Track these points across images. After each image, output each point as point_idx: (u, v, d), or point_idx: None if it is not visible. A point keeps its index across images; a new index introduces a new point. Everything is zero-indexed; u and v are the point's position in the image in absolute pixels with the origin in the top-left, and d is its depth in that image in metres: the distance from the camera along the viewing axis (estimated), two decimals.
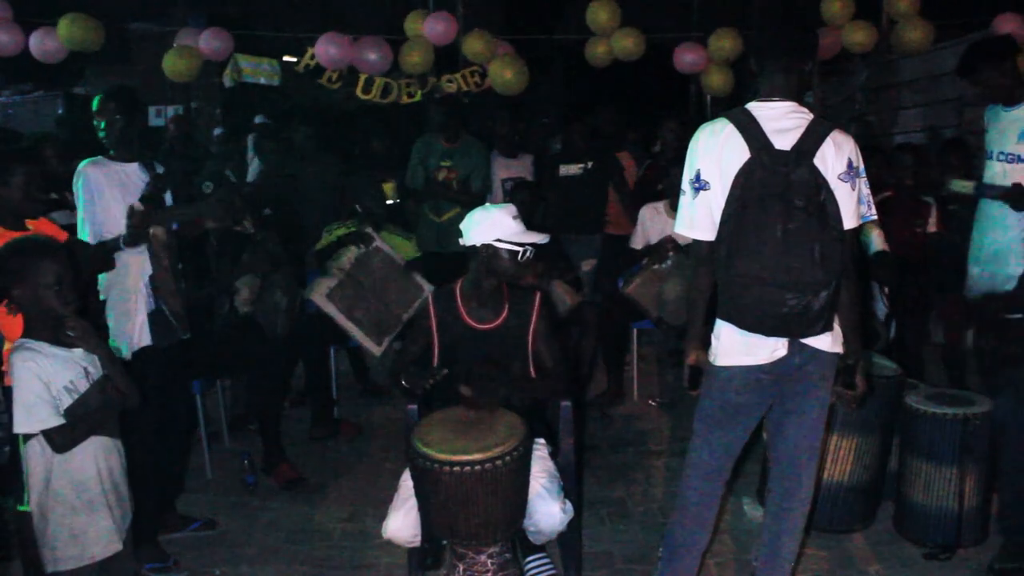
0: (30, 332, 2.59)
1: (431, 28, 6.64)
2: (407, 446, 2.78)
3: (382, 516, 3.01)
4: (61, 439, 2.51)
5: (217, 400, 4.99)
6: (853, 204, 2.56)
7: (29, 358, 2.51)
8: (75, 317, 2.63)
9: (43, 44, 6.40)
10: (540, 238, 3.13)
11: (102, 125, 3.54)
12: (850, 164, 2.54)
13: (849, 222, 2.54)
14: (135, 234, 3.38)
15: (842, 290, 2.59)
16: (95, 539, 2.62)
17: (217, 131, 9.15)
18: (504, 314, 3.20)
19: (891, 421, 3.65)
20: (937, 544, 3.49)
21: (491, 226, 3.09)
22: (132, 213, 3.36)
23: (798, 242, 2.45)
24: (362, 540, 3.77)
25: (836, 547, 3.60)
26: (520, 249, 3.09)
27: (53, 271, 2.56)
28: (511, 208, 3.17)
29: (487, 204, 3.30)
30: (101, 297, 3.51)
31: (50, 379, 2.51)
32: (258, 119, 8.67)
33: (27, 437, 2.54)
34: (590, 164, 6.03)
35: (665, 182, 5.30)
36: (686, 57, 7.03)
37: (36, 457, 2.55)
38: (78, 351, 2.63)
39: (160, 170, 3.62)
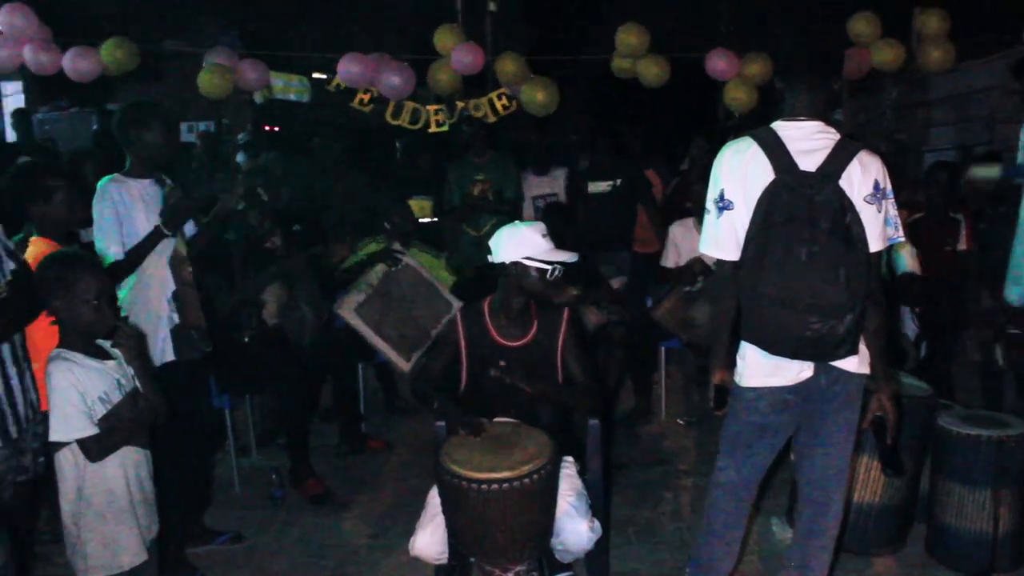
0: (66, 343, 2.63)
1: (459, 60, 6.68)
2: (435, 463, 2.79)
3: (409, 532, 3.01)
4: (95, 448, 2.55)
5: (246, 414, 5.02)
6: (879, 226, 2.54)
7: (66, 368, 2.56)
8: (128, 326, 2.69)
9: (76, 63, 6.51)
10: (569, 257, 3.12)
11: (131, 138, 3.56)
12: (877, 186, 2.52)
13: (875, 245, 2.52)
14: (176, 217, 3.49)
15: (868, 314, 2.56)
16: (125, 548, 2.66)
17: (241, 137, 9.26)
18: (532, 331, 3.20)
19: (923, 442, 3.61)
20: (970, 569, 3.44)
21: (520, 244, 3.10)
22: (169, 197, 3.48)
23: (822, 265, 2.43)
24: (389, 556, 3.78)
25: (866, 570, 3.56)
26: (549, 267, 3.09)
27: (93, 285, 2.61)
28: (540, 226, 3.17)
29: (516, 222, 3.30)
30: (123, 313, 3.55)
31: (85, 389, 2.55)
32: (242, 136, 8.78)
33: (59, 446, 2.58)
34: (618, 181, 6.04)
35: (692, 199, 5.29)
36: (718, 65, 7.01)
37: (69, 466, 2.59)
38: (111, 363, 2.67)
39: (170, 183, 3.65)
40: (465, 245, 5.79)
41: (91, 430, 2.53)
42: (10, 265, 2.81)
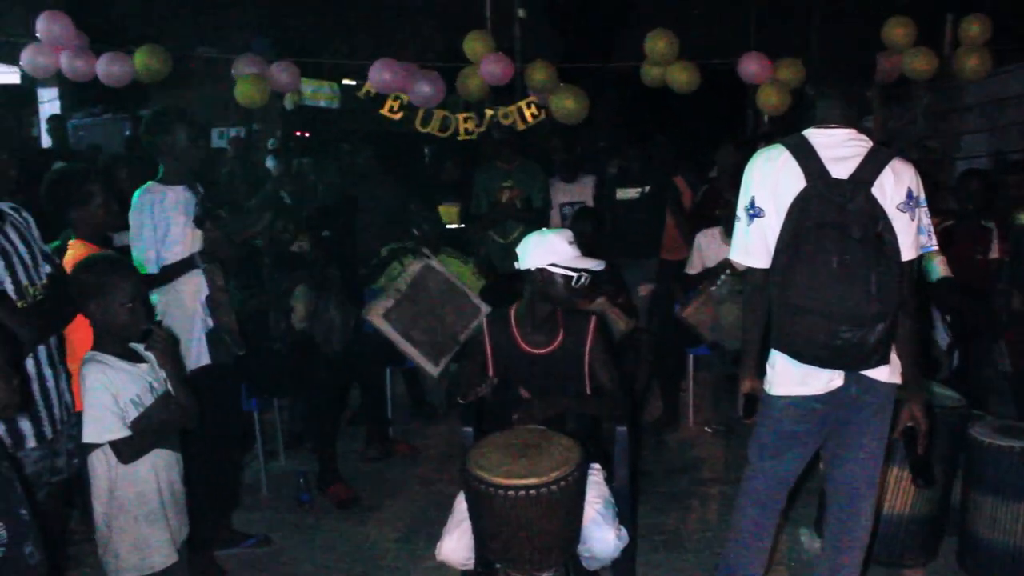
0: (100, 346, 2.67)
1: (488, 70, 6.71)
2: (462, 468, 2.79)
3: (435, 537, 3.01)
4: (127, 450, 2.58)
5: (274, 418, 5.06)
6: (912, 235, 2.52)
7: (99, 370, 2.59)
8: (161, 330, 2.73)
9: (109, 69, 6.62)
10: (595, 264, 3.11)
11: (157, 146, 3.61)
12: (910, 194, 2.50)
13: (908, 253, 2.50)
14: (214, 251, 3.55)
15: (900, 323, 2.53)
16: (155, 549, 2.69)
17: (272, 142, 9.35)
18: (559, 338, 3.19)
19: (955, 453, 3.56)
20: None
21: (546, 251, 3.09)
22: (209, 232, 3.53)
23: (854, 274, 2.42)
24: (415, 561, 3.79)
25: None
26: (575, 275, 3.09)
27: (128, 289, 2.65)
28: (567, 233, 3.16)
29: (543, 229, 3.30)
30: (157, 318, 3.60)
31: (118, 391, 2.59)
32: (272, 142, 8.85)
33: (92, 447, 2.61)
34: (647, 188, 6.03)
35: (721, 208, 5.27)
36: (750, 68, 6.99)
37: (101, 467, 2.62)
38: (144, 366, 2.71)
39: (202, 190, 3.69)
40: (492, 252, 5.79)
41: (123, 432, 2.57)
42: (46, 268, 2.86)
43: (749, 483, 2.80)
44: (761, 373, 2.74)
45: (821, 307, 2.44)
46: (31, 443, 2.74)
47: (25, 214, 2.92)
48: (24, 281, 2.74)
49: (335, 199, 6.18)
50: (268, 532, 4.05)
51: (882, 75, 6.57)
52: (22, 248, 2.78)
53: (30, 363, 2.77)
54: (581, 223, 5.16)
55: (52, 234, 3.42)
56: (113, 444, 2.57)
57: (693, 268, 5.31)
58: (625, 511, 3.17)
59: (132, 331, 2.68)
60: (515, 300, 3.28)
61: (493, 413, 3.13)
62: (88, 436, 2.58)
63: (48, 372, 2.84)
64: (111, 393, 2.57)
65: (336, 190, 6.24)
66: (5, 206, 2.85)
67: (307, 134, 11.81)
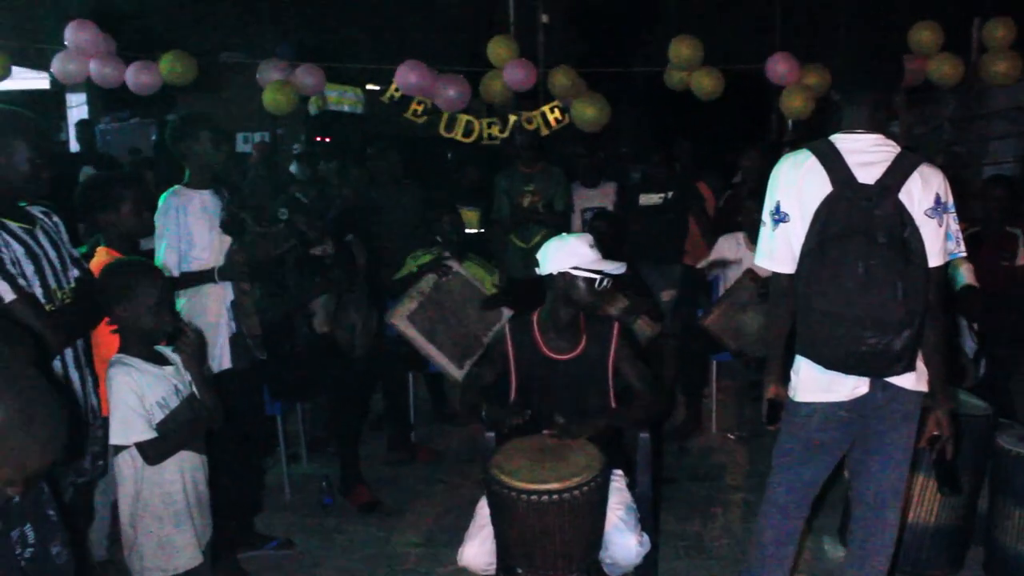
0: (126, 349, 2.70)
1: (511, 76, 6.73)
2: (484, 473, 2.79)
3: (457, 542, 3.02)
4: (153, 452, 2.60)
5: (297, 422, 5.08)
6: (940, 241, 2.50)
7: (125, 373, 2.62)
8: (193, 329, 2.77)
9: (139, 77, 6.70)
10: (617, 267, 3.10)
11: (182, 150, 3.65)
12: (938, 199, 2.48)
13: (935, 260, 2.48)
14: (232, 272, 3.57)
15: (927, 329, 2.51)
16: (180, 550, 2.71)
17: (296, 147, 9.41)
18: (582, 344, 3.19)
19: (981, 461, 3.53)
20: None
21: (567, 254, 3.08)
22: (233, 255, 3.56)
23: (880, 279, 2.40)
24: (436, 566, 3.80)
25: None
26: (597, 278, 3.08)
27: (154, 293, 2.67)
28: (588, 237, 3.16)
29: (563, 233, 3.29)
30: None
31: (144, 394, 2.61)
32: (296, 146, 8.89)
33: (119, 449, 2.63)
34: (670, 194, 6.01)
35: (744, 213, 5.25)
36: (779, 68, 6.95)
37: (127, 468, 2.65)
38: (170, 368, 2.73)
39: (228, 195, 3.72)
40: (513, 257, 5.79)
41: (149, 434, 2.59)
42: (75, 272, 2.89)
43: (773, 491, 2.78)
44: (785, 379, 2.72)
45: (846, 313, 2.42)
46: None
47: (56, 218, 2.95)
48: (53, 285, 2.77)
49: (359, 203, 6.20)
50: (290, 535, 4.07)
51: (908, 79, 6.52)
52: (52, 252, 2.82)
53: (57, 365, 2.80)
54: (597, 223, 5.16)
55: (80, 240, 3.46)
56: (139, 446, 2.59)
57: (706, 268, 5.30)
58: (647, 518, 3.17)
59: (158, 334, 2.71)
60: (535, 306, 3.28)
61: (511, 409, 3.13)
62: (115, 438, 2.61)
63: (75, 375, 2.87)
64: (137, 395, 2.59)
65: (360, 195, 6.27)
66: (36, 210, 2.89)
67: (328, 139, 11.87)
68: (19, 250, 2.68)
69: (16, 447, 1.52)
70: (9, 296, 2.56)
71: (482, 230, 6.26)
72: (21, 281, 2.62)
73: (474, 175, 6.85)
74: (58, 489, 2.62)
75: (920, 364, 2.57)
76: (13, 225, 2.72)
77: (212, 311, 3.65)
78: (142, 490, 2.65)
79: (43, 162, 2.75)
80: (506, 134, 6.86)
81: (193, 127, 3.63)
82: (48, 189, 2.83)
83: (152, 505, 2.65)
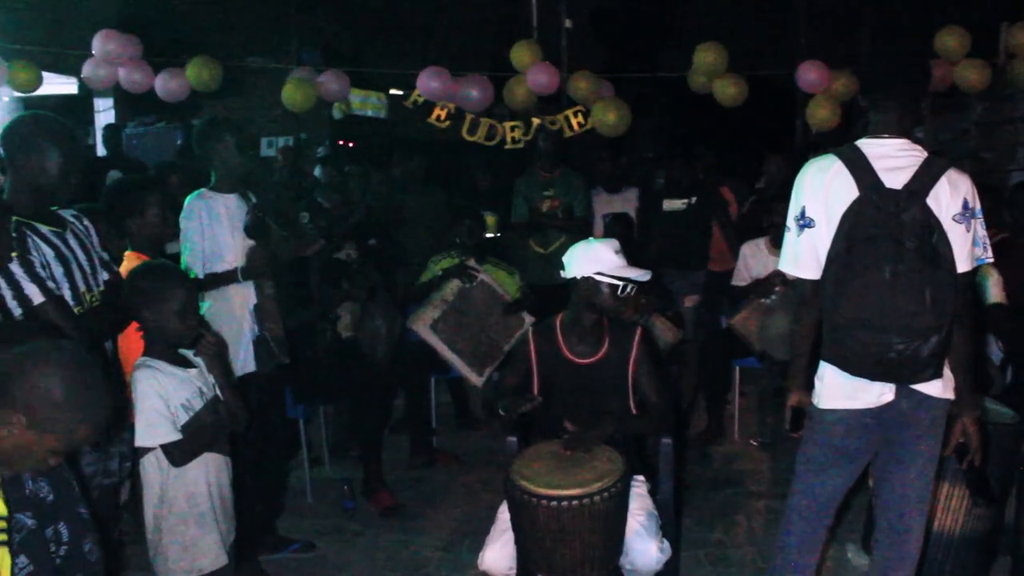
0: (151, 352, 2.72)
1: (535, 80, 6.74)
2: (505, 478, 2.79)
3: (478, 547, 3.02)
4: (178, 454, 2.62)
5: (319, 426, 5.10)
6: (968, 246, 2.47)
7: (150, 375, 2.64)
8: (213, 334, 2.79)
9: (168, 84, 6.79)
10: (641, 273, 3.09)
11: (208, 154, 3.69)
12: (966, 204, 2.46)
13: (963, 265, 2.45)
14: (255, 271, 3.59)
15: (954, 336, 2.49)
16: (204, 551, 2.72)
17: (320, 150, 9.44)
18: (604, 349, 3.18)
19: (1008, 470, 3.48)
20: None
21: (592, 260, 3.08)
22: (253, 254, 3.57)
23: (907, 285, 2.38)
24: (457, 570, 3.80)
25: None
26: (621, 284, 3.08)
27: (180, 296, 2.69)
28: (613, 243, 3.15)
29: (590, 238, 3.29)
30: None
31: (169, 396, 2.63)
32: (320, 150, 8.92)
33: (144, 451, 2.66)
34: (694, 199, 5.99)
35: (768, 218, 5.22)
36: (810, 75, 6.92)
37: (152, 470, 2.67)
38: (194, 371, 2.75)
39: (254, 200, 3.75)
40: (532, 263, 5.78)
41: (174, 436, 2.61)
42: (104, 276, 2.93)
43: (796, 498, 2.76)
44: (809, 385, 2.70)
45: (873, 319, 2.40)
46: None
47: (86, 222, 3.00)
48: (82, 287, 2.81)
49: (382, 208, 6.23)
50: (312, 538, 4.08)
51: (934, 85, 6.47)
52: (81, 255, 2.85)
53: None
54: (616, 225, 5.15)
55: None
56: (164, 447, 2.61)
57: (740, 279, 5.26)
58: (669, 524, 3.15)
59: (183, 337, 2.73)
60: (555, 311, 3.28)
61: (537, 423, 3.13)
62: (140, 440, 2.63)
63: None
64: (162, 398, 2.61)
65: (383, 199, 6.29)
66: (67, 214, 2.93)
67: (352, 143, 11.92)
68: (49, 253, 2.72)
69: (67, 420, 1.82)
70: (38, 299, 2.60)
71: (499, 234, 6.25)
72: (50, 284, 2.66)
73: (483, 182, 6.85)
74: (87, 488, 2.65)
75: (947, 371, 2.54)
76: (44, 228, 2.76)
77: (236, 314, 3.67)
78: (167, 491, 2.67)
79: (72, 167, 2.79)
80: (529, 137, 6.86)
81: (218, 131, 3.66)
82: (76, 193, 2.87)
83: (177, 506, 2.67)
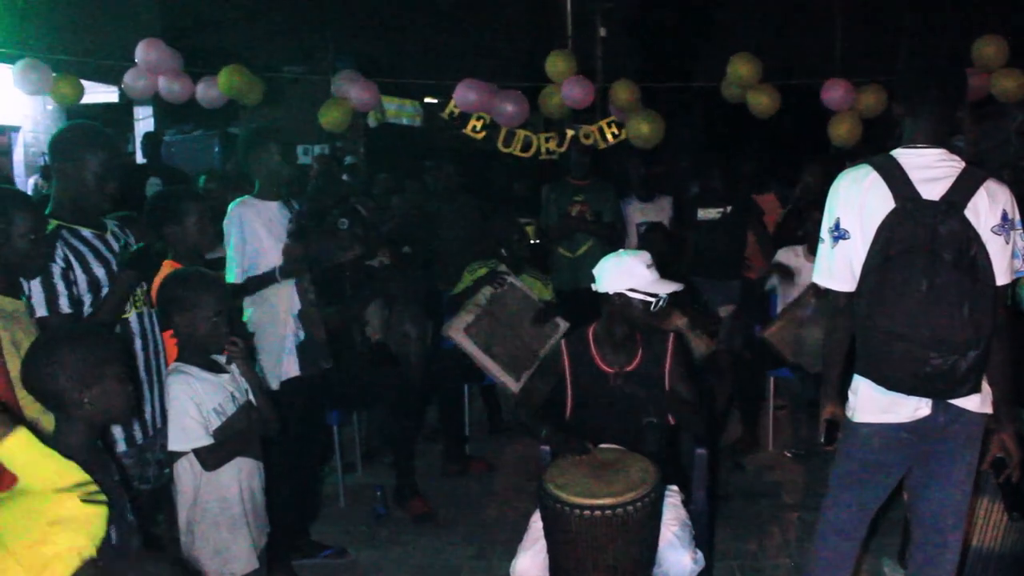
0: (184, 357, 2.76)
1: (569, 94, 6.76)
2: (538, 487, 2.79)
3: (510, 555, 3.01)
4: (211, 458, 2.66)
5: (353, 431, 5.13)
6: (1007, 259, 2.43)
7: (184, 381, 2.68)
8: (241, 340, 2.82)
9: (208, 93, 6.91)
10: (674, 287, 3.07)
11: (251, 163, 3.74)
12: (1005, 216, 2.41)
13: (1002, 278, 2.41)
14: (292, 268, 3.61)
15: (993, 349, 2.44)
16: (236, 555, 2.76)
17: (349, 159, 9.52)
18: (638, 358, 3.18)
19: None
20: None
21: (624, 275, 3.06)
22: (289, 250, 3.59)
23: (945, 298, 2.34)
24: None
25: None
26: (652, 299, 3.06)
27: (213, 302, 2.73)
28: (645, 256, 3.12)
29: (621, 251, 3.28)
30: (250, 330, 3.69)
31: (201, 401, 2.67)
32: (348, 159, 8.97)
33: (178, 455, 2.69)
34: (728, 208, 5.96)
35: (809, 222, 5.18)
36: (836, 93, 6.89)
37: (186, 474, 2.71)
38: (226, 376, 2.79)
39: (297, 207, 3.80)
40: (560, 267, 5.80)
41: (206, 440, 2.64)
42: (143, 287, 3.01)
43: (829, 511, 2.73)
44: (843, 398, 2.68)
45: (910, 333, 2.36)
46: (121, 447, 2.86)
47: (128, 231, 3.11)
48: None
49: (416, 215, 6.27)
50: (344, 544, 4.10)
51: (971, 93, 6.39)
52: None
53: None
54: (653, 236, 5.14)
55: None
56: (197, 452, 2.65)
57: (769, 283, 5.26)
58: (702, 535, 3.14)
59: (216, 343, 2.77)
60: (591, 313, 3.28)
61: (572, 433, 3.12)
62: (173, 444, 2.67)
63: (142, 376, 2.95)
64: (195, 403, 2.66)
65: (417, 206, 6.33)
66: (112, 223, 3.03)
67: (386, 152, 12.04)
68: (89, 254, 2.80)
69: (108, 399, 2.14)
70: (41, 311, 2.68)
71: (537, 241, 6.27)
72: (74, 290, 2.74)
73: (520, 190, 6.89)
74: (131, 491, 2.69)
75: (985, 386, 2.50)
76: (85, 231, 2.86)
77: (279, 319, 3.70)
78: (200, 495, 2.70)
79: (110, 175, 2.88)
80: (564, 148, 6.88)
81: (264, 140, 3.71)
82: (115, 201, 2.95)
83: (209, 510, 2.71)
